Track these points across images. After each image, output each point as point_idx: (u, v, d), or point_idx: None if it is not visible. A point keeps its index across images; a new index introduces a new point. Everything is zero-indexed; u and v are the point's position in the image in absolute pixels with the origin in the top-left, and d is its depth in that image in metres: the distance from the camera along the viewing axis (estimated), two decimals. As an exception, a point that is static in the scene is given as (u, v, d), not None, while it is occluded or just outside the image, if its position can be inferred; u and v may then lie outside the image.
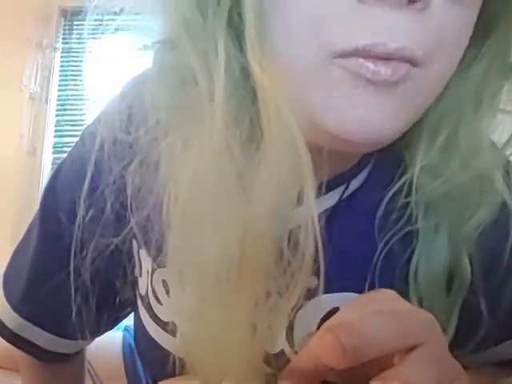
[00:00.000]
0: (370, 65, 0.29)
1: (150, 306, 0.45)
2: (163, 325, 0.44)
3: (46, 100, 2.30)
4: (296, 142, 0.30)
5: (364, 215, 0.41)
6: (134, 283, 0.46)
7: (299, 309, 0.40)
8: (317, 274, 0.33)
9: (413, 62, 0.29)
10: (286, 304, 0.34)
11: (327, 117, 0.31)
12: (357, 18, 0.29)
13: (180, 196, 0.33)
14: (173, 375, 0.40)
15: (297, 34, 0.30)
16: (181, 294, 0.35)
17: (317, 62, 0.30)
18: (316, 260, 0.32)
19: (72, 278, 0.43)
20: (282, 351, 0.42)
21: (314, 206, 0.31)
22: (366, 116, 0.30)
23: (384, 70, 0.29)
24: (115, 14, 0.37)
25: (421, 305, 0.40)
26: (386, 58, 0.29)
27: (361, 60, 0.29)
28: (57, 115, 2.34)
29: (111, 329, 0.52)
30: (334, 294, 0.40)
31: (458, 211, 0.39)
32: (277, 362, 0.41)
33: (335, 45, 0.29)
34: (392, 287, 0.37)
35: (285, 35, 0.30)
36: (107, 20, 0.38)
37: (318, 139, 0.32)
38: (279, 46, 0.31)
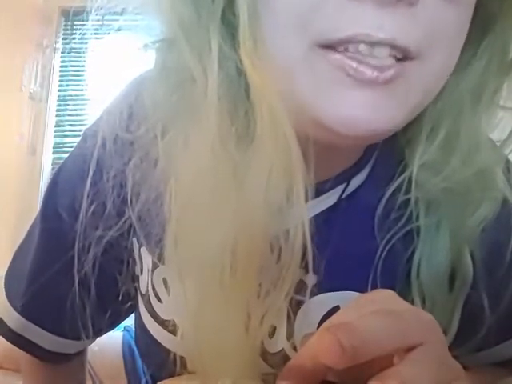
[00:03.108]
0: (353, 63, 0.29)
1: (151, 304, 0.45)
2: (163, 323, 0.45)
3: (46, 100, 2.30)
4: (287, 139, 0.31)
5: (365, 214, 0.41)
6: (135, 281, 0.47)
7: (299, 307, 0.40)
8: (314, 271, 0.33)
9: (404, 54, 0.30)
10: (277, 297, 0.34)
11: (318, 111, 0.31)
12: (345, 13, 0.29)
13: (179, 192, 0.34)
14: (173, 373, 0.40)
15: (285, 28, 0.31)
16: (180, 291, 0.35)
17: (302, 54, 0.31)
18: (313, 258, 0.33)
19: (75, 274, 0.43)
20: (283, 350, 0.42)
21: (304, 203, 0.32)
22: (358, 113, 0.31)
23: (370, 71, 0.29)
24: (116, 14, 0.37)
25: (423, 302, 0.40)
26: (370, 54, 0.29)
27: (344, 57, 0.30)
28: (57, 115, 2.34)
29: (113, 328, 0.52)
30: (335, 292, 0.41)
31: (459, 208, 0.39)
32: (277, 361, 0.41)
33: (320, 35, 0.30)
34: (394, 285, 0.38)
35: (275, 31, 0.31)
36: (108, 20, 0.39)
37: (313, 132, 0.33)
38: (270, 42, 0.31)
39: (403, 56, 0.30)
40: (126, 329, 0.92)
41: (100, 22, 0.39)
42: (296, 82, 0.32)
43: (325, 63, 0.30)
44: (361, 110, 0.30)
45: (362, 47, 0.30)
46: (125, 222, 0.40)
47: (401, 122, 0.33)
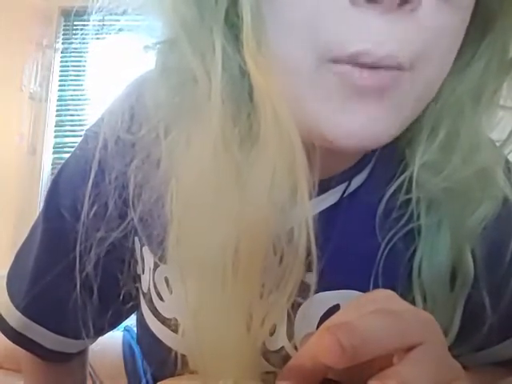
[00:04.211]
0: (356, 72, 0.30)
1: (152, 302, 0.45)
2: (165, 321, 0.45)
3: (46, 100, 2.30)
4: (291, 140, 0.31)
5: (366, 213, 0.42)
6: (137, 280, 0.47)
7: (299, 305, 0.40)
8: (316, 270, 0.33)
9: (401, 68, 0.30)
10: (280, 298, 0.34)
11: (319, 121, 0.32)
12: (348, 21, 0.29)
13: (181, 193, 0.34)
14: (174, 372, 0.40)
15: (290, 34, 0.31)
16: (182, 289, 0.35)
17: (308, 63, 0.31)
18: (314, 258, 0.33)
19: (77, 275, 0.43)
20: (283, 348, 0.42)
21: (308, 203, 0.32)
22: (356, 125, 0.31)
23: (371, 79, 0.30)
24: (117, 14, 0.37)
25: (425, 301, 0.40)
26: (372, 66, 0.29)
27: (348, 67, 0.30)
28: (57, 115, 2.34)
29: (114, 328, 0.53)
30: (335, 291, 0.41)
31: (460, 207, 0.39)
32: (278, 359, 0.41)
33: (327, 49, 0.30)
34: (395, 284, 0.38)
35: (279, 35, 0.31)
36: (109, 20, 0.39)
37: (313, 139, 0.33)
38: (274, 45, 0.31)
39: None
40: (126, 329, 0.92)
41: (100, 23, 0.39)
42: (299, 89, 0.32)
43: (331, 74, 0.30)
44: (361, 121, 0.31)
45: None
46: (128, 223, 0.41)
47: (397, 130, 0.33)
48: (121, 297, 0.46)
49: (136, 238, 0.44)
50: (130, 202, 0.39)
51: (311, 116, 0.32)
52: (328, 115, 0.31)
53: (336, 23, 0.29)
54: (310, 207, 0.32)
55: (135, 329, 0.70)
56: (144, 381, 0.61)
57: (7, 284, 0.52)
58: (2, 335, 0.52)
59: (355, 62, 0.29)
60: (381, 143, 0.33)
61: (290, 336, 0.42)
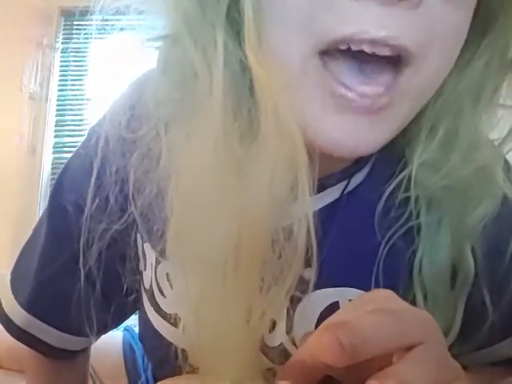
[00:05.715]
0: (350, 94, 0.30)
1: (154, 298, 0.46)
2: (166, 317, 0.45)
3: (46, 100, 2.30)
4: (292, 135, 0.31)
5: (366, 211, 0.42)
6: (139, 276, 0.47)
7: (298, 302, 0.40)
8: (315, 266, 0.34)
9: (405, 54, 0.30)
10: (279, 292, 0.34)
11: (305, 125, 0.32)
12: (347, 11, 0.29)
13: (181, 188, 0.34)
14: (176, 367, 0.40)
15: (289, 27, 0.31)
16: (182, 285, 0.35)
17: (301, 60, 0.31)
18: (313, 254, 0.33)
19: (81, 270, 0.43)
20: (282, 344, 0.42)
21: (308, 199, 0.32)
22: (341, 139, 0.31)
23: (363, 100, 0.30)
24: (117, 13, 0.37)
25: (426, 300, 0.40)
26: (372, 53, 0.30)
27: (334, 82, 0.30)
28: (57, 115, 2.34)
29: (118, 325, 0.53)
30: (334, 288, 0.41)
31: (459, 205, 0.39)
32: (277, 356, 0.42)
33: (322, 36, 0.30)
34: (396, 283, 0.38)
35: (278, 28, 0.31)
36: (109, 20, 0.39)
37: (308, 139, 0.33)
38: (274, 39, 0.32)
39: (403, 56, 0.31)
40: (126, 328, 0.93)
41: (101, 22, 0.39)
42: (292, 90, 0.32)
43: (316, 85, 0.31)
44: (348, 134, 0.31)
45: (365, 47, 0.30)
46: (128, 216, 0.41)
47: (390, 136, 0.33)
48: (123, 292, 0.46)
49: (138, 235, 0.44)
50: (130, 196, 0.40)
51: (303, 117, 0.32)
52: (316, 124, 0.32)
53: (335, 16, 0.30)
54: (310, 203, 0.32)
55: (135, 329, 0.70)
56: (144, 377, 0.61)
57: (11, 282, 0.52)
58: (4, 335, 0.52)
59: (351, 43, 0.29)
60: (373, 150, 0.33)
61: (289, 332, 0.42)
